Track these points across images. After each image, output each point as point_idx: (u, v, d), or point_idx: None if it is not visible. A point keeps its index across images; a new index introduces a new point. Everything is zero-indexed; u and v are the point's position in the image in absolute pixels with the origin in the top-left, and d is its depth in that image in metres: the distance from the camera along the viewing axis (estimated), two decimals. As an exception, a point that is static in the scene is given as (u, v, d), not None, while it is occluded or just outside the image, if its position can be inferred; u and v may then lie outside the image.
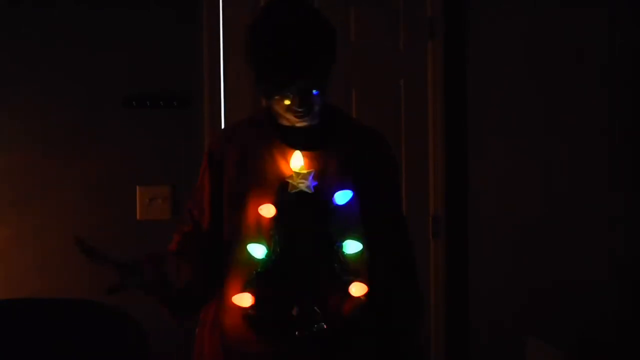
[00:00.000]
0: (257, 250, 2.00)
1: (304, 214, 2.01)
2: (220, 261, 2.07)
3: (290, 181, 2.00)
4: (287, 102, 1.96)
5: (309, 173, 2.00)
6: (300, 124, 2.02)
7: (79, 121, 3.34)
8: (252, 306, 2.00)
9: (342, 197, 2.01)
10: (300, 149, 2.03)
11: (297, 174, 2.00)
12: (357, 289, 1.99)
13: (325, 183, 2.01)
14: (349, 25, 3.51)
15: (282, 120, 2.06)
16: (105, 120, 3.36)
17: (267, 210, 2.01)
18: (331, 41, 1.99)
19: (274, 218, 2.00)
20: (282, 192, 2.01)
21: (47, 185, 3.31)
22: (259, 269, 2.00)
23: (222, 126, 3.38)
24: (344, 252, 2.00)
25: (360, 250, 2.02)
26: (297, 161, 2.01)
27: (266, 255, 2.00)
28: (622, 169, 2.64)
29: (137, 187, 3.36)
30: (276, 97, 1.98)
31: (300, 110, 1.97)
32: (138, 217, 3.36)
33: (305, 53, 1.91)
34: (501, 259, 3.35)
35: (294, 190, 2.00)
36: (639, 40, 2.54)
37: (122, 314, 2.63)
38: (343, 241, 2.00)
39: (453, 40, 3.57)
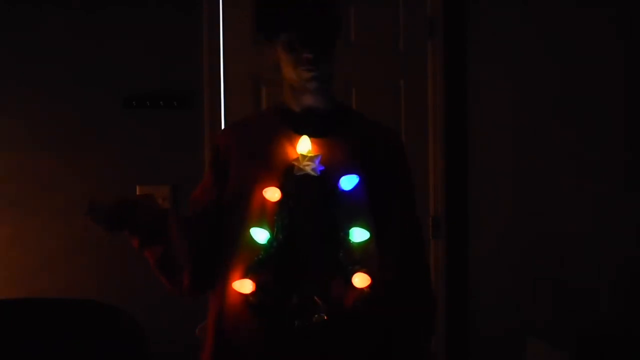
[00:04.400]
0: (260, 235, 1.96)
1: (309, 197, 1.97)
2: (214, 248, 2.04)
3: (296, 164, 1.97)
4: (287, 46, 1.97)
5: (315, 156, 1.97)
6: (310, 83, 2.00)
7: (79, 121, 3.34)
8: (252, 293, 1.96)
9: (349, 182, 1.97)
10: (308, 135, 2.01)
11: (303, 156, 1.97)
12: (361, 280, 1.94)
13: (332, 168, 1.98)
14: (349, 25, 3.51)
15: (291, 101, 2.06)
16: (105, 121, 3.36)
17: (272, 194, 1.97)
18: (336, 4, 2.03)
19: (279, 202, 1.97)
20: (288, 175, 1.97)
21: (47, 185, 3.32)
22: (261, 255, 1.96)
23: (222, 126, 3.39)
24: (349, 240, 1.96)
25: (367, 239, 1.97)
26: (304, 145, 1.99)
27: (268, 241, 1.96)
28: (622, 169, 2.64)
29: (137, 187, 3.36)
30: (281, 39, 1.97)
31: (308, 55, 1.96)
32: (138, 217, 3.35)
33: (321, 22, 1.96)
34: (501, 259, 3.35)
35: (299, 173, 1.97)
36: None
37: (122, 314, 2.63)
38: (349, 229, 1.96)
39: (453, 41, 3.57)
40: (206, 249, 2.04)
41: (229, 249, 2.03)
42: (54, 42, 3.33)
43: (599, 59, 2.73)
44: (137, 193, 3.35)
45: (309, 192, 1.97)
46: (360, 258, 1.96)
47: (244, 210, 2.01)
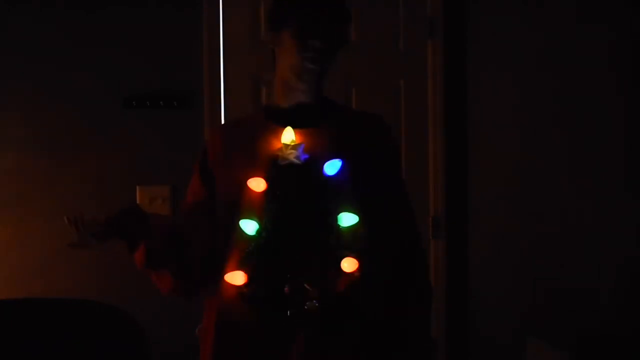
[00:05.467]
0: (249, 227, 1.97)
1: (294, 186, 1.98)
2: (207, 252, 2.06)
3: (279, 153, 1.99)
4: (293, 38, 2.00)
5: (298, 145, 1.99)
6: (309, 75, 2.01)
7: (79, 121, 3.34)
8: (245, 284, 1.97)
9: (332, 166, 1.98)
10: (293, 127, 2.02)
11: (286, 145, 1.99)
12: (349, 265, 1.94)
13: (317, 155, 1.99)
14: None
15: (281, 97, 2.08)
16: (105, 121, 3.36)
17: (257, 184, 1.99)
18: (347, 16, 2.06)
19: (265, 193, 1.98)
20: (273, 165, 1.99)
21: (47, 185, 3.31)
22: (251, 246, 1.97)
23: (222, 126, 3.39)
24: (338, 225, 1.96)
25: (356, 223, 1.97)
26: (287, 135, 2.00)
27: (257, 232, 1.97)
28: (625, 167, 2.64)
29: (137, 187, 3.36)
30: (292, 25, 2.00)
31: (319, 44, 1.98)
32: (138, 217, 3.35)
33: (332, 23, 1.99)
34: (501, 259, 3.35)
35: (284, 163, 1.98)
36: None
37: (122, 314, 2.63)
38: (338, 214, 1.96)
39: (453, 40, 3.57)
40: (196, 254, 2.05)
41: (222, 244, 2.05)
42: (54, 42, 3.32)
43: (598, 59, 2.73)
44: (137, 194, 3.35)
45: (294, 181, 1.98)
46: (350, 242, 1.97)
47: (234, 205, 2.02)
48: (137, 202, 3.34)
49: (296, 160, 1.98)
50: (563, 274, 2.91)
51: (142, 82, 3.37)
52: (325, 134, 2.04)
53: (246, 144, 2.06)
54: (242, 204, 2.01)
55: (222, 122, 3.40)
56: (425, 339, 2.08)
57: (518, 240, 3.22)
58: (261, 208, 1.98)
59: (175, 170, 3.37)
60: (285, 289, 1.94)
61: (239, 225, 1.99)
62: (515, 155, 3.25)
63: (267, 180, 1.99)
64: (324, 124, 2.06)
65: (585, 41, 2.80)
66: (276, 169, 1.99)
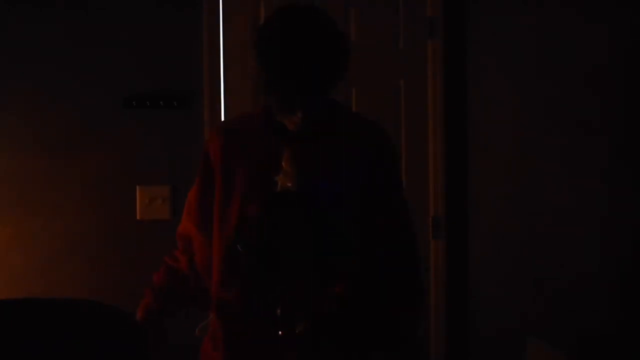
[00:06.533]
0: (244, 247, 2.01)
1: (289, 213, 2.00)
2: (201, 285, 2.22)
3: (278, 180, 2.00)
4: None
5: (296, 172, 1.99)
6: (296, 128, 2.03)
7: (79, 121, 3.34)
8: (240, 304, 2.03)
9: (328, 195, 2.00)
10: (291, 145, 2.02)
11: (285, 172, 1.99)
12: (339, 290, 1.99)
13: (313, 182, 2.00)
14: (349, 25, 3.51)
15: (277, 113, 2.07)
16: (105, 121, 3.36)
17: (253, 209, 2.01)
18: (342, 53, 2.01)
19: (261, 216, 2.00)
20: (269, 191, 2.00)
21: (47, 185, 3.31)
22: (246, 268, 2.01)
23: (222, 126, 3.39)
24: (330, 252, 1.99)
25: (348, 250, 2.00)
26: (286, 159, 2.01)
27: (251, 253, 2.00)
28: (625, 167, 2.63)
29: (137, 187, 3.36)
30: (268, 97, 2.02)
31: (303, 119, 2.00)
32: (138, 217, 3.36)
33: (316, 73, 1.94)
34: (501, 259, 3.35)
35: (280, 189, 2.00)
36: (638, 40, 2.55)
37: (123, 315, 2.63)
38: (331, 240, 1.99)
39: (453, 40, 3.57)
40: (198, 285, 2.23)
41: (217, 259, 2.09)
42: (54, 42, 3.32)
43: (599, 59, 2.73)
44: (137, 194, 3.35)
45: (288, 207, 2.00)
46: (340, 268, 2.00)
47: (229, 222, 2.05)
48: (137, 202, 3.35)
49: (292, 189, 1.99)
50: (563, 274, 2.91)
51: (142, 82, 3.37)
52: (323, 154, 2.04)
53: (245, 158, 2.06)
54: (237, 223, 2.03)
55: (222, 121, 3.40)
56: (411, 339, 2.10)
57: (518, 240, 3.22)
58: (256, 230, 2.00)
59: (175, 170, 3.37)
60: (277, 310, 1.98)
61: (234, 245, 2.02)
62: (515, 155, 3.25)
63: (263, 204, 2.00)
64: (324, 141, 2.05)
65: (585, 41, 2.80)
66: (272, 195, 2.00)
